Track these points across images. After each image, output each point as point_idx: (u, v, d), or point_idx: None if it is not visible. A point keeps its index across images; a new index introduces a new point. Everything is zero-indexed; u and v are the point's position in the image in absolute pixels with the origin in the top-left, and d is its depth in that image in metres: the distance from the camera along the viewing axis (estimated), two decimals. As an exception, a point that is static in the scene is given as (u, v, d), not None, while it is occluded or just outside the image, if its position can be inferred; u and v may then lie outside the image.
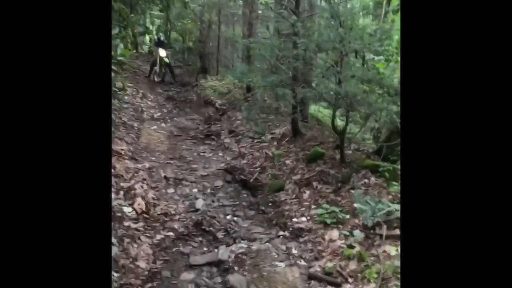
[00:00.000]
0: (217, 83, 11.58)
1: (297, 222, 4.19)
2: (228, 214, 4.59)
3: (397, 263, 3.19)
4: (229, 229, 4.20)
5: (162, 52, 11.75)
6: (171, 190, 5.12)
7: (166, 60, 11.99)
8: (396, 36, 5.93)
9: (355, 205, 3.96)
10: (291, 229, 4.11)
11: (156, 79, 12.14)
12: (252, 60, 9.04)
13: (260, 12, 10.24)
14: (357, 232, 3.69)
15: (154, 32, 14.21)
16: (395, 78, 4.83)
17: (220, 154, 6.65)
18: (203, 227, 4.20)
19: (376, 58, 5.51)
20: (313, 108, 8.93)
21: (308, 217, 4.25)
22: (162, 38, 12.63)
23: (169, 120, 8.33)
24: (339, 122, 6.22)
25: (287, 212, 4.46)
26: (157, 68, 12.00)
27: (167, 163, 6.04)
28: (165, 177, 5.46)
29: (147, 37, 16.27)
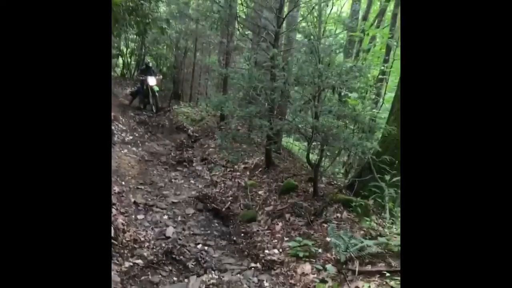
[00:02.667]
0: (190, 109, 11.57)
1: (269, 254, 4.15)
2: (199, 243, 4.51)
3: (370, 299, 3.19)
4: (199, 259, 4.11)
5: (152, 81, 10.90)
6: (141, 216, 5.00)
7: (156, 88, 11.07)
8: (369, 74, 6.11)
9: (329, 239, 3.97)
10: (263, 261, 4.07)
11: (140, 106, 11.36)
12: (227, 89, 9.11)
13: (238, 42, 10.36)
14: (329, 267, 3.68)
15: (128, 56, 13.74)
16: (367, 116, 4.94)
17: (192, 181, 6.58)
18: (173, 255, 4.10)
19: (350, 94, 5.64)
20: (284, 140, 9.02)
21: (281, 250, 4.22)
22: (150, 64, 11.75)
23: (140, 145, 8.21)
24: (312, 156, 6.29)
25: (259, 244, 4.42)
26: (150, 98, 11.06)
27: (138, 188, 5.93)
28: (135, 202, 5.35)
29: (120, 60, 16.18)
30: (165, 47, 14.48)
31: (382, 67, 9.22)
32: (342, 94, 5.06)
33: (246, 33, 9.36)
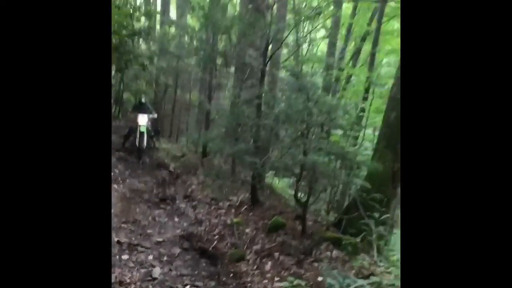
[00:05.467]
0: (171, 146, 11.47)
1: (261, 295, 4.06)
2: (186, 285, 4.37)
3: None
4: (189, 301, 3.99)
5: (142, 119, 9.61)
6: (125, 257, 4.84)
7: (143, 129, 9.59)
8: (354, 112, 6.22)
9: (324, 279, 3.91)
10: (255, 302, 3.97)
11: (127, 146, 9.98)
12: (209, 125, 9.11)
13: (221, 79, 10.44)
14: (324, 308, 3.62)
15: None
16: (357, 153, 5.01)
17: (176, 219, 6.44)
18: (161, 298, 3.97)
19: (335, 132, 5.71)
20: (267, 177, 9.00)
21: (272, 290, 4.13)
22: (143, 100, 10.54)
23: (121, 182, 8.04)
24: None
25: (249, 284, 4.31)
26: (136, 140, 9.56)
27: (120, 227, 5.76)
28: (118, 242, 5.18)
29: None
30: (144, 83, 14.45)
31: (362, 105, 9.43)
32: (329, 131, 5.12)
33: (230, 70, 9.48)
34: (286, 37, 6.07)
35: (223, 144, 5.11)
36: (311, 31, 7.65)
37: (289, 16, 8.52)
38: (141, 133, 9.49)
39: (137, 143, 9.54)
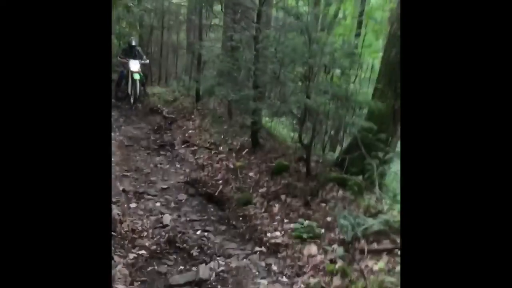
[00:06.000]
0: (161, 90, 11.31)
1: (272, 237, 4.16)
2: (197, 230, 4.47)
3: (382, 277, 3.26)
4: (202, 246, 4.08)
5: (134, 65, 9.30)
6: (133, 205, 4.90)
7: (137, 76, 9.30)
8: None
9: (332, 219, 4.02)
10: (267, 244, 4.08)
11: (120, 95, 9.68)
12: (203, 69, 8.93)
13: (212, 19, 10.10)
14: (336, 247, 3.74)
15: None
16: (360, 94, 4.99)
17: (178, 165, 6.47)
18: (176, 244, 4.06)
19: (337, 71, 5.64)
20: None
21: (283, 232, 4.24)
22: (133, 43, 9.91)
23: (116, 129, 7.98)
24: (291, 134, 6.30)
25: (259, 227, 4.42)
26: (128, 87, 9.28)
27: (123, 175, 5.79)
28: (123, 190, 5.23)
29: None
30: (127, 25, 13.94)
31: (356, 42, 9.25)
32: (332, 73, 5.07)
33: (218, 9, 9.15)
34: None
35: (225, 90, 5.02)
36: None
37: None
38: (134, 80, 9.28)
39: (129, 91, 9.36)
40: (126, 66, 9.56)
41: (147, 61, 10.23)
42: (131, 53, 9.71)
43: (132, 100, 9.53)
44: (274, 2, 7.61)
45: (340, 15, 12.15)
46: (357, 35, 9.90)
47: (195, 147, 7.05)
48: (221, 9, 8.21)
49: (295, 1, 6.71)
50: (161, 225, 4.48)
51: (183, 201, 5.20)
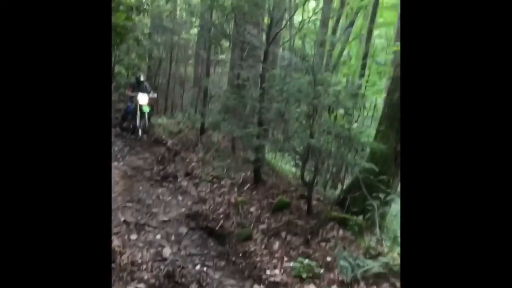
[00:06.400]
0: (167, 121, 11.43)
1: (272, 275, 4.15)
2: (197, 264, 4.46)
3: (380, 321, 3.26)
4: (201, 281, 4.08)
5: (143, 99, 9.52)
6: (134, 236, 4.91)
7: (146, 109, 9.52)
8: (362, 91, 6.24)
9: (332, 259, 4.03)
10: (266, 282, 4.07)
11: (126, 126, 9.90)
12: (209, 103, 9.07)
13: (220, 56, 10.33)
14: (335, 288, 3.74)
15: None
16: (363, 135, 5.07)
17: (180, 197, 6.50)
18: (174, 279, 4.05)
19: (340, 111, 5.73)
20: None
21: (282, 270, 4.24)
22: (141, 79, 10.08)
23: (121, 159, 8.06)
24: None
25: (259, 264, 4.41)
26: (137, 120, 9.46)
27: (125, 206, 5.82)
28: (125, 221, 5.25)
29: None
30: (136, 57, 14.25)
31: (359, 82, 9.42)
32: (335, 113, 5.16)
33: (227, 46, 9.39)
34: (291, 16, 6.03)
35: (230, 125, 5.12)
36: (317, 11, 7.55)
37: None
38: (143, 113, 9.46)
39: (137, 124, 9.50)
40: (134, 99, 9.76)
41: (155, 95, 10.42)
42: (139, 87, 9.88)
43: (140, 133, 9.67)
44: (281, 42, 7.82)
45: (345, 53, 12.43)
46: (362, 75, 10.08)
47: (198, 180, 7.09)
48: (229, 46, 8.40)
49: (301, 41, 6.86)
50: (160, 258, 4.48)
51: (184, 234, 5.20)
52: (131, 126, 9.96)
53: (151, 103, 10.04)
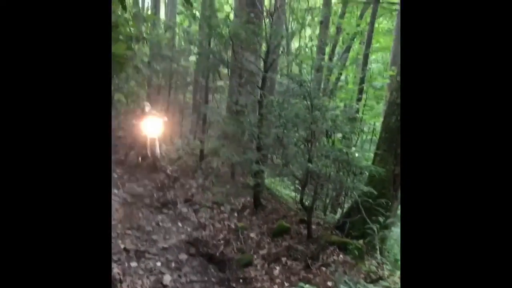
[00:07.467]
0: (166, 148, 11.46)
1: (273, 301, 4.14)
2: (197, 291, 4.45)
3: None
4: (202, 308, 4.07)
5: (152, 127, 9.44)
6: (134, 264, 4.89)
7: (154, 135, 9.42)
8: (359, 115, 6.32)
9: (332, 284, 4.01)
10: (267, 308, 4.06)
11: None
12: (208, 129, 9.14)
13: (218, 82, 10.47)
14: (336, 313, 3.72)
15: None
16: (362, 160, 5.11)
17: (180, 224, 6.49)
18: (175, 306, 4.04)
19: (338, 136, 5.79)
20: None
21: (283, 296, 4.23)
22: (147, 110, 9.99)
23: (120, 186, 8.07)
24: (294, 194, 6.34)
25: (260, 290, 4.41)
26: (147, 150, 9.45)
27: (125, 233, 5.81)
28: (125, 249, 5.24)
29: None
30: (135, 84, 14.38)
31: (357, 106, 9.51)
32: (333, 137, 5.22)
33: (225, 73, 9.51)
34: (289, 44, 6.15)
35: (229, 152, 5.17)
36: (313, 38, 7.69)
37: (291, 22, 8.61)
38: (152, 140, 9.39)
39: (149, 152, 9.42)
40: (139, 130, 9.61)
41: (165, 118, 10.34)
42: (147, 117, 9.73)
43: (154, 162, 9.58)
44: (278, 68, 7.94)
45: (342, 77, 12.58)
46: (359, 99, 10.18)
47: (198, 206, 7.10)
48: (227, 73, 8.52)
49: (298, 67, 6.98)
50: (161, 285, 4.46)
51: (184, 261, 5.19)
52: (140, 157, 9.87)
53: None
